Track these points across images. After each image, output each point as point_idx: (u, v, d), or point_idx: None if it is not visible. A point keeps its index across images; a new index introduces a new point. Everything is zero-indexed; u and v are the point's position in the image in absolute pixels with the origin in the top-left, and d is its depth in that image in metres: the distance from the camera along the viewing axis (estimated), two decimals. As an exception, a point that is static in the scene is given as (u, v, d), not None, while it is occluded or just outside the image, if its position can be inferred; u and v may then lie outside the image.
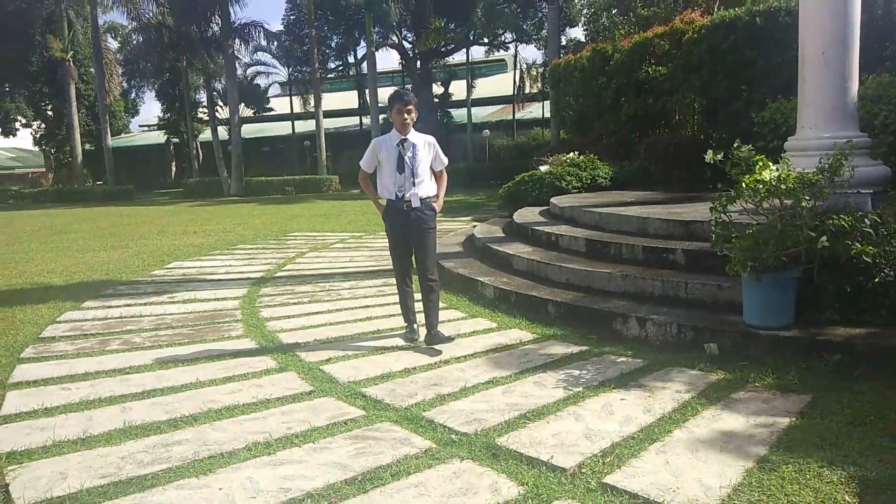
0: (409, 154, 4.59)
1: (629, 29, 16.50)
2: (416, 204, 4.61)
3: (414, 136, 4.65)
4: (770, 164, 3.92)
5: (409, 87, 32.69)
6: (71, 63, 34.37)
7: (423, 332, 4.81)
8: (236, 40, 31.23)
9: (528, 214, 8.93)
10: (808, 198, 3.83)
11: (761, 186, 3.75)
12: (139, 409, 3.62)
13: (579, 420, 3.28)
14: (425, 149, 4.69)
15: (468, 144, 33.40)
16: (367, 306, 6.00)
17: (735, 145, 4.20)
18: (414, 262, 4.89)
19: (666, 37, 12.53)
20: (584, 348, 4.49)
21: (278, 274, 7.98)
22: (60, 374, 4.28)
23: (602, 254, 6.11)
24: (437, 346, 4.61)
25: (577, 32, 34.09)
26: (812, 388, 3.52)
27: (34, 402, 3.77)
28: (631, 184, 11.30)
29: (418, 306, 4.89)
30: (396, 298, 6.27)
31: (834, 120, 7.40)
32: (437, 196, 4.79)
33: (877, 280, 4.04)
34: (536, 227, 7.45)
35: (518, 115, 35.84)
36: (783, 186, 3.74)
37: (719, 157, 4.07)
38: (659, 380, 3.80)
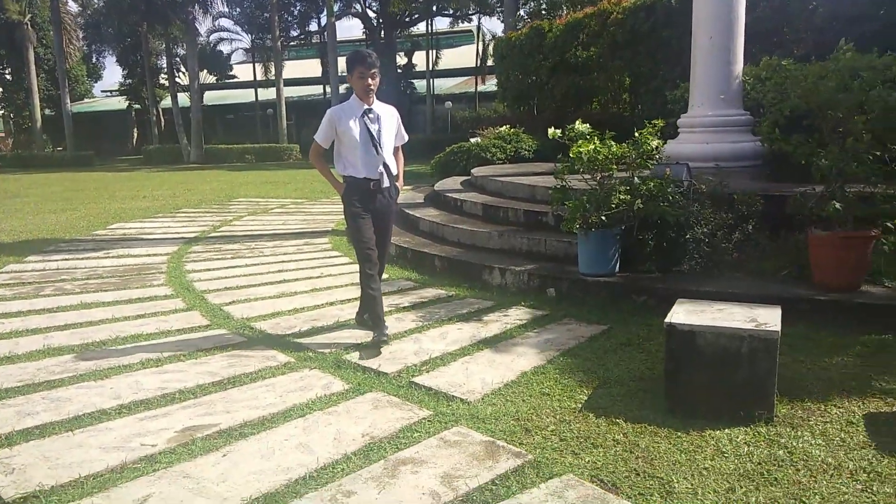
0: (376, 127, 4.05)
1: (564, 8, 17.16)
2: (385, 183, 4.12)
3: (378, 106, 4.12)
4: (596, 140, 4.69)
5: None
6: (29, 26, 34.03)
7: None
8: (195, 6, 31.14)
9: (449, 183, 9.68)
10: (615, 167, 4.62)
11: (583, 158, 4.53)
12: (59, 337, 4.32)
13: (416, 342, 4.08)
14: (390, 121, 4.17)
15: (428, 116, 33.92)
16: (282, 262, 6.72)
17: (577, 123, 4.96)
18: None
19: (595, 17, 13.25)
20: (452, 293, 5.28)
21: (212, 234, 8.65)
22: (-5, 313, 4.96)
23: (494, 216, 6.90)
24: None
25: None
26: (612, 322, 4.36)
27: (-31, 332, 4.45)
28: (557, 156, 12.06)
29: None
30: (310, 255, 7.06)
31: (719, 100, 8.27)
32: (397, 175, 4.27)
33: (687, 236, 4.89)
34: (447, 194, 8.20)
35: (481, 88, 36.36)
36: (600, 157, 4.52)
37: (558, 133, 4.83)
38: (497, 315, 4.61)
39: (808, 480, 2.45)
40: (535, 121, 13.89)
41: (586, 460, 2.63)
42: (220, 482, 2.50)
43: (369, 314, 4.18)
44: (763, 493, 2.37)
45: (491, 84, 37.92)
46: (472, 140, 11.88)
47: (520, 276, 5.25)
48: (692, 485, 2.44)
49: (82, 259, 7.01)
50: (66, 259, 7.01)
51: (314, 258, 6.85)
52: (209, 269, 6.40)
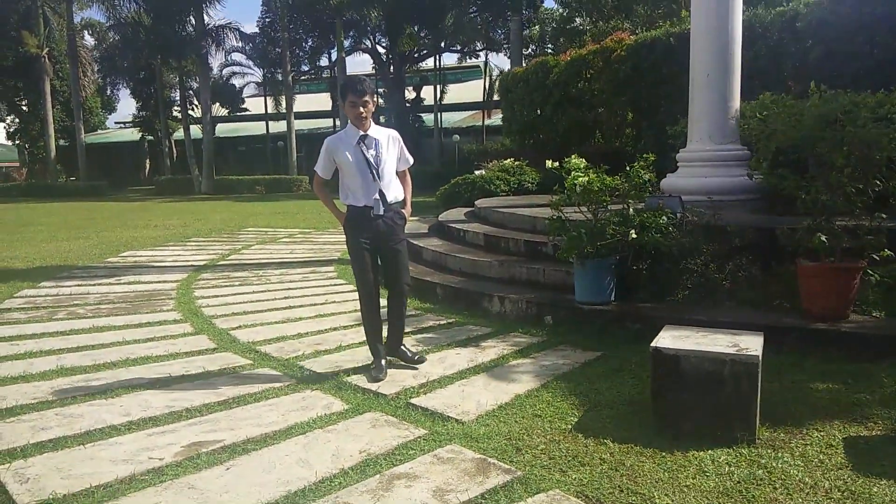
0: (372, 152, 3.96)
1: (570, 45, 17.56)
2: (382, 210, 4.01)
3: (375, 130, 4.02)
4: (590, 172, 4.87)
5: (381, 90, 33.64)
6: (46, 59, 34.83)
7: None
8: (209, 41, 31.91)
9: (454, 214, 9.88)
10: (607, 199, 4.79)
11: (577, 190, 4.71)
12: (72, 359, 4.48)
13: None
14: (389, 145, 4.07)
15: (436, 148, 34.40)
16: (288, 289, 6.89)
17: (573, 157, 5.14)
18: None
19: (598, 54, 13.58)
20: (452, 320, 5.43)
21: (221, 262, 8.85)
22: (11, 335, 5.13)
23: (495, 246, 7.07)
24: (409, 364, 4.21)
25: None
26: (605, 348, 4.49)
27: (-14, 353, 4.62)
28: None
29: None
30: (316, 282, 7.23)
31: (716, 134, 8.46)
32: (404, 201, 4.19)
33: (680, 266, 5.04)
34: (451, 225, 8.39)
35: (488, 122, 36.85)
36: (594, 189, 4.70)
37: (556, 165, 5.02)
38: (495, 341, 4.75)
39: (785, 498, 2.56)
40: (540, 154, 14.13)
41: (573, 477, 2.75)
42: (224, 493, 2.63)
43: (369, 348, 4.22)
44: (740, 509, 2.49)
45: (497, 118, 38.25)
46: (477, 172, 12.14)
47: (518, 304, 5.39)
48: (672, 501, 2.55)
49: (94, 285, 7.21)
50: (78, 285, 7.21)
51: (320, 286, 7.03)
52: (217, 296, 6.57)
